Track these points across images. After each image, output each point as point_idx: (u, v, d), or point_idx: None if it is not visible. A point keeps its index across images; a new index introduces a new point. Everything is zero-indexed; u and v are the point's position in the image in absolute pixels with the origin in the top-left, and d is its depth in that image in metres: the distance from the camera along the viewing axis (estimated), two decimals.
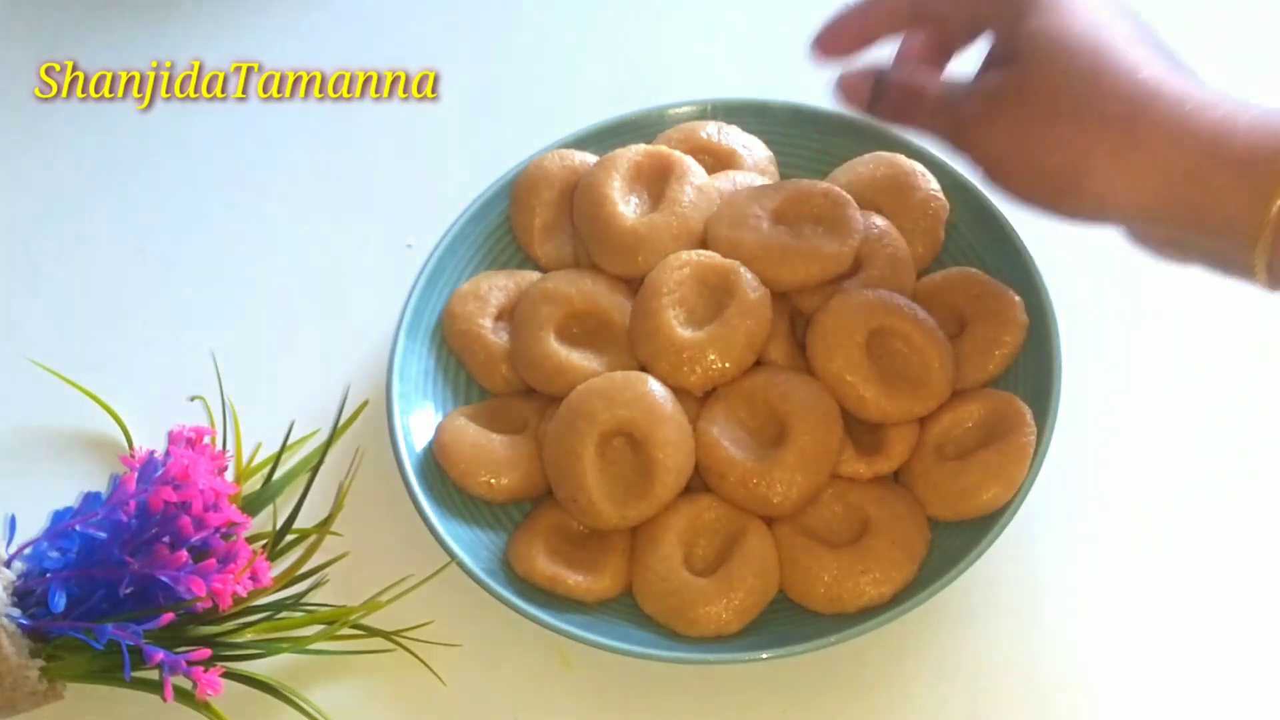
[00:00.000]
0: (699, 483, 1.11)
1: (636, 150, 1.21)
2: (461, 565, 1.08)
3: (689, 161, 1.20)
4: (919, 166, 1.21)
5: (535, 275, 1.21)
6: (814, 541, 1.09)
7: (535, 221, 1.23)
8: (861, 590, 1.06)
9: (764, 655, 1.04)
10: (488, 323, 1.19)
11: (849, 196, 1.15)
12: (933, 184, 1.20)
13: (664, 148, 1.21)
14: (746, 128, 1.27)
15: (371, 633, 1.09)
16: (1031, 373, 1.13)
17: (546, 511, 1.13)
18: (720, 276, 1.12)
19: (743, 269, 1.12)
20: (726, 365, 1.10)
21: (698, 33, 1.45)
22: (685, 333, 1.11)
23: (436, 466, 1.14)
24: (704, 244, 1.16)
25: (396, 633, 1.08)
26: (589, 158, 1.24)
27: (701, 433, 1.10)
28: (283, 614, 1.10)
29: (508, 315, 1.20)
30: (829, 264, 1.12)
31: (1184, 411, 1.19)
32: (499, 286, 1.21)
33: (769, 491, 1.08)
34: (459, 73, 1.41)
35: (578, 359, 1.14)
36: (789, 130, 1.27)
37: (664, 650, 1.05)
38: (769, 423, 1.11)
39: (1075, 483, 1.14)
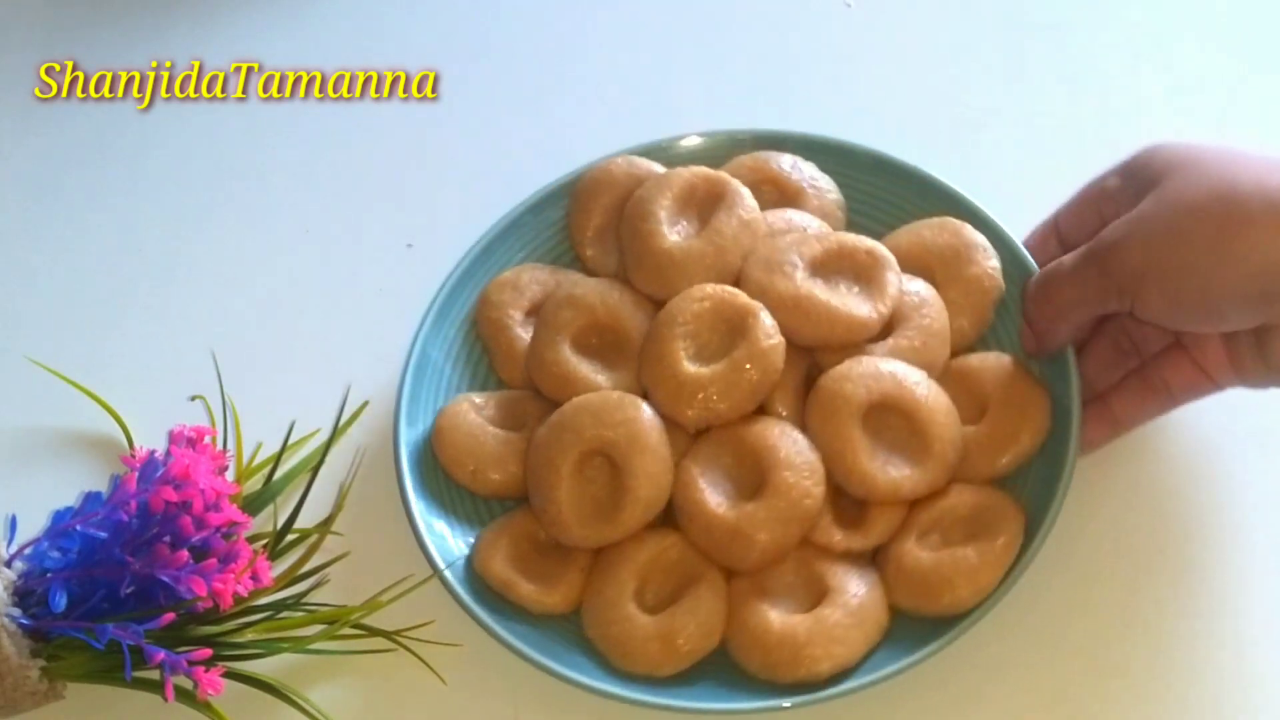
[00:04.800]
0: (674, 517, 1.09)
1: (693, 172, 1.18)
2: (425, 551, 1.09)
3: (742, 192, 1.16)
4: (982, 240, 1.16)
5: (577, 276, 1.21)
6: (765, 603, 1.05)
7: (590, 223, 1.22)
8: (799, 663, 1.02)
9: (677, 704, 1.02)
10: (518, 315, 1.19)
11: (892, 258, 1.12)
12: (992, 260, 1.15)
13: (721, 174, 1.18)
14: (824, 167, 1.23)
15: (372, 632, 1.09)
16: (1041, 476, 1.07)
17: (521, 516, 1.12)
18: (739, 316, 1.09)
19: (763, 314, 1.09)
20: (723, 407, 1.07)
21: (702, 38, 1.45)
22: (690, 367, 1.08)
23: (434, 457, 1.15)
24: (737, 279, 1.13)
25: (397, 632, 1.08)
26: (657, 168, 1.22)
27: (682, 470, 1.08)
28: (283, 614, 1.09)
29: (538, 311, 1.19)
30: (853, 328, 1.09)
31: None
32: (538, 281, 1.21)
33: (732, 544, 1.05)
34: (459, 73, 1.41)
35: (586, 370, 1.13)
36: (867, 178, 1.22)
37: (597, 681, 1.04)
38: (752, 473, 1.07)
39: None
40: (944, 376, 1.11)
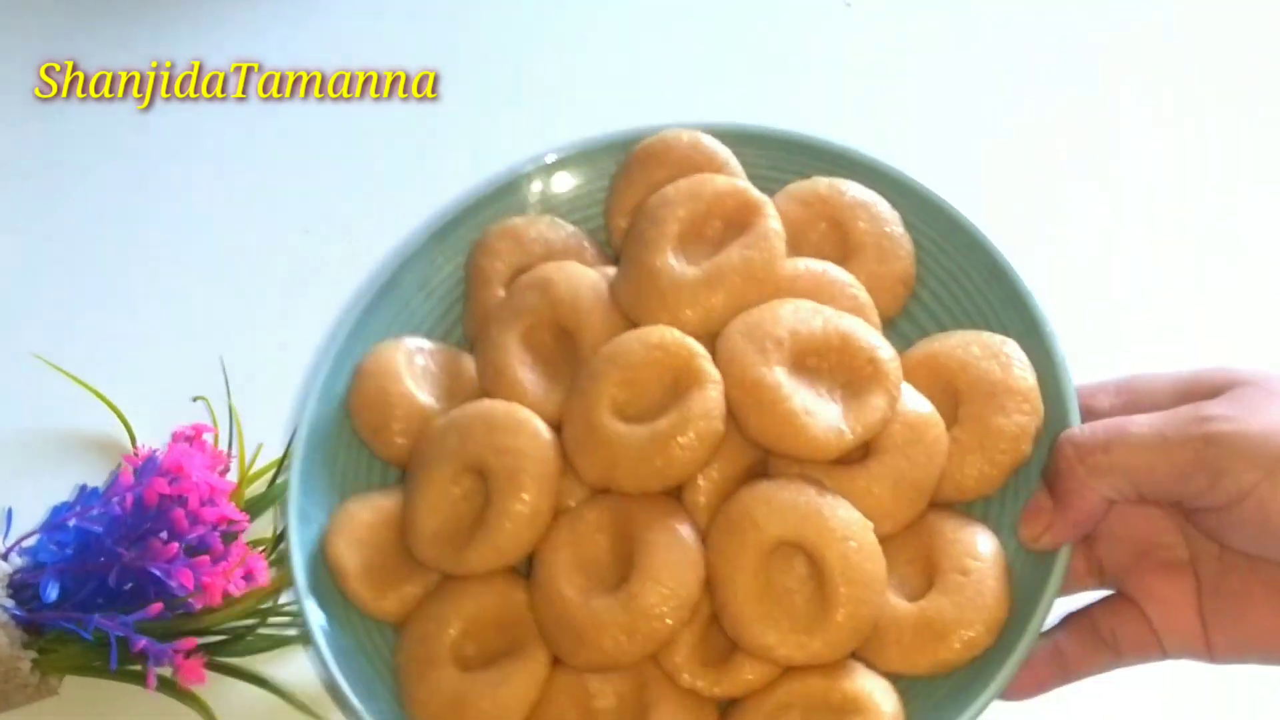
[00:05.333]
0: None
1: (730, 186, 0.98)
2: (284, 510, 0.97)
3: (770, 230, 0.95)
4: (1026, 387, 0.94)
5: (574, 265, 1.02)
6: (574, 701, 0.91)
7: (632, 196, 1.04)
8: None
9: None
10: (504, 271, 1.04)
11: (897, 378, 0.92)
12: (1026, 416, 0.93)
13: (758, 198, 0.97)
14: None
15: None
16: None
17: (395, 499, 0.98)
18: (687, 379, 0.91)
19: (712, 388, 0.90)
20: (628, 481, 0.90)
21: (702, 39, 1.45)
22: (608, 419, 0.91)
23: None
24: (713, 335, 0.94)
25: None
26: (723, 152, 1.04)
27: (554, 530, 0.92)
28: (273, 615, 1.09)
29: None
30: (803, 443, 0.89)
31: None
32: (546, 240, 1.05)
33: (566, 633, 0.89)
34: (459, 73, 1.39)
35: (521, 372, 0.97)
36: (949, 247, 1.02)
37: None
38: (623, 564, 0.90)
39: None
40: (909, 534, 0.93)
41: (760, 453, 0.92)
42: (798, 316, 0.92)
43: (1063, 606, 0.91)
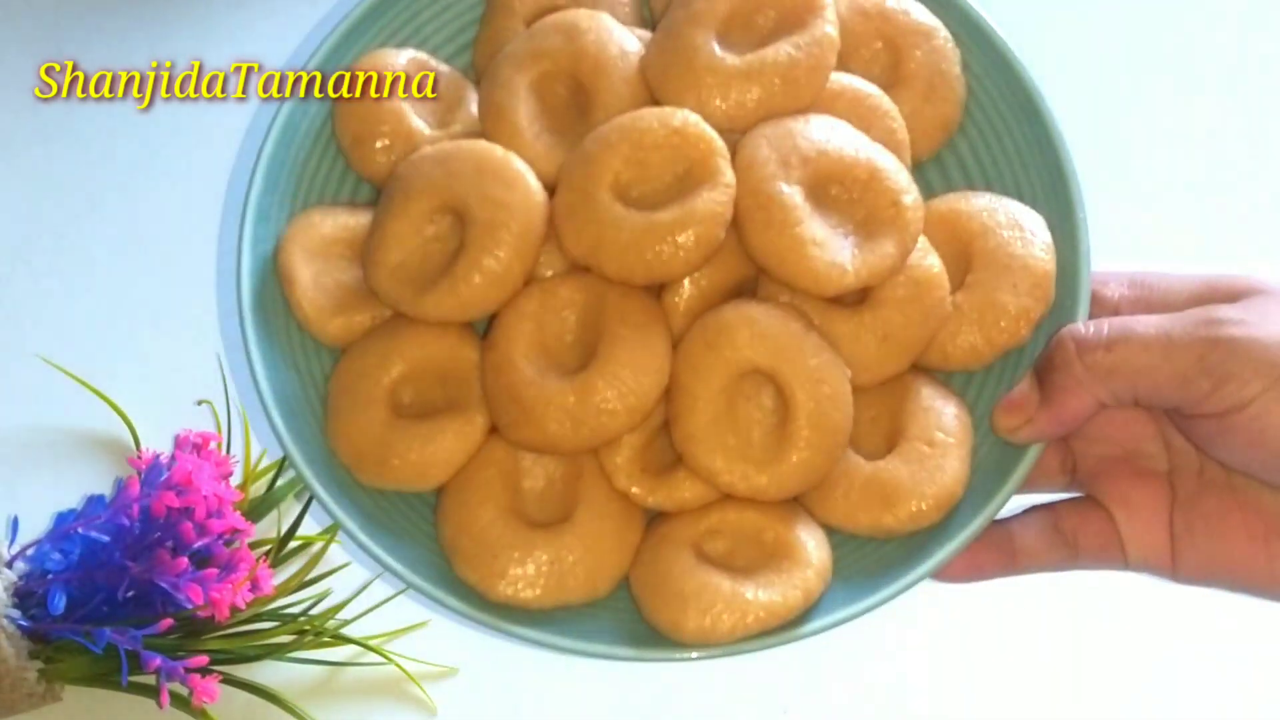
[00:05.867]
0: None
1: None
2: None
3: (825, 36, 0.87)
4: (1044, 263, 0.88)
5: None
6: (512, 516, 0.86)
7: None
8: None
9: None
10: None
11: (918, 226, 0.86)
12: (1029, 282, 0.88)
13: None
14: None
15: (341, 640, 1.08)
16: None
17: (363, 216, 0.92)
18: (699, 174, 0.84)
19: (722, 193, 0.83)
20: (612, 265, 0.84)
21: None
22: (607, 198, 0.84)
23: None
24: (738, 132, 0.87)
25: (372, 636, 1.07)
26: None
27: (521, 298, 0.86)
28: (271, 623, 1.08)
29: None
30: (803, 274, 0.83)
31: None
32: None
33: (512, 409, 0.84)
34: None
35: (527, 122, 0.89)
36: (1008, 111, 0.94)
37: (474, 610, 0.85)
38: (587, 349, 0.86)
39: None
40: (883, 390, 0.88)
41: (754, 270, 0.87)
42: (831, 136, 0.86)
43: (1027, 503, 0.90)
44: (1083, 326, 0.84)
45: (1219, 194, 1.28)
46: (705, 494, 0.85)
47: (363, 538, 0.84)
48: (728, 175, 0.83)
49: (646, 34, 0.91)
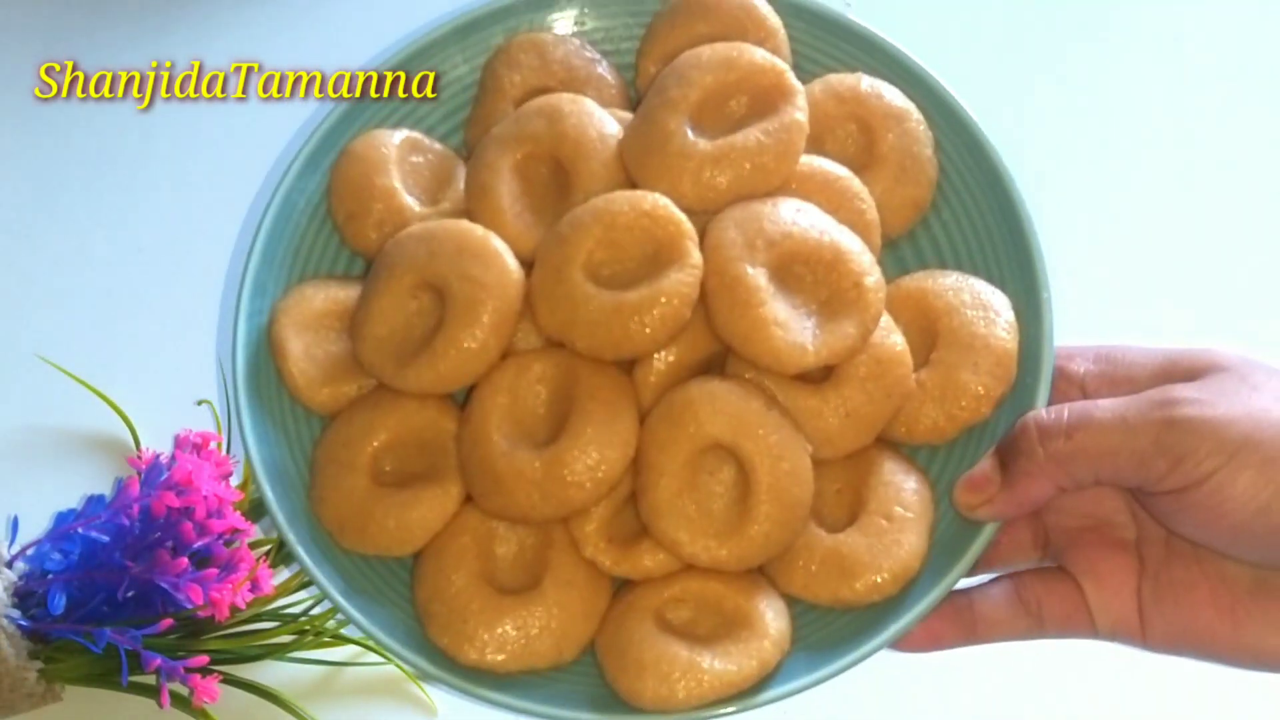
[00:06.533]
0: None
1: (765, 62, 0.92)
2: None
3: (794, 122, 0.89)
4: (1006, 343, 0.90)
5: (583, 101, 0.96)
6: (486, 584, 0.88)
7: (669, 42, 0.97)
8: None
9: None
10: (518, 80, 0.99)
11: (878, 309, 0.88)
12: (988, 379, 0.90)
13: (790, 81, 0.91)
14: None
15: (342, 640, 1.09)
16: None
17: (350, 290, 0.95)
18: (667, 253, 0.87)
19: (689, 273, 0.86)
20: (582, 344, 0.87)
21: None
22: (580, 278, 0.87)
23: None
24: (710, 213, 0.90)
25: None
26: (771, 18, 0.97)
27: (496, 373, 0.89)
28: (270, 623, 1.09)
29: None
30: (765, 353, 0.85)
31: None
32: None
33: (483, 480, 0.88)
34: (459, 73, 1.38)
35: (509, 202, 0.92)
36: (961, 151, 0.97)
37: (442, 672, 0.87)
38: (557, 422, 0.88)
39: None
40: (847, 462, 0.90)
41: (722, 347, 0.89)
42: (797, 219, 0.88)
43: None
44: (1045, 413, 0.85)
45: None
46: (669, 564, 0.87)
47: (341, 601, 0.87)
48: (694, 257, 0.86)
49: (628, 116, 0.94)
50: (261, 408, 0.92)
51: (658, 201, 0.87)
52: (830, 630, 0.88)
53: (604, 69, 1.00)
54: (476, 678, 0.86)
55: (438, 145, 0.99)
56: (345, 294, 0.94)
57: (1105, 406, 0.83)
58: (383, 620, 0.88)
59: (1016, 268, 0.93)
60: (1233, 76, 1.38)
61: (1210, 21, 1.41)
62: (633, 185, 0.91)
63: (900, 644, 0.86)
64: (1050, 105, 1.36)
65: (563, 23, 1.01)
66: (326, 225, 0.97)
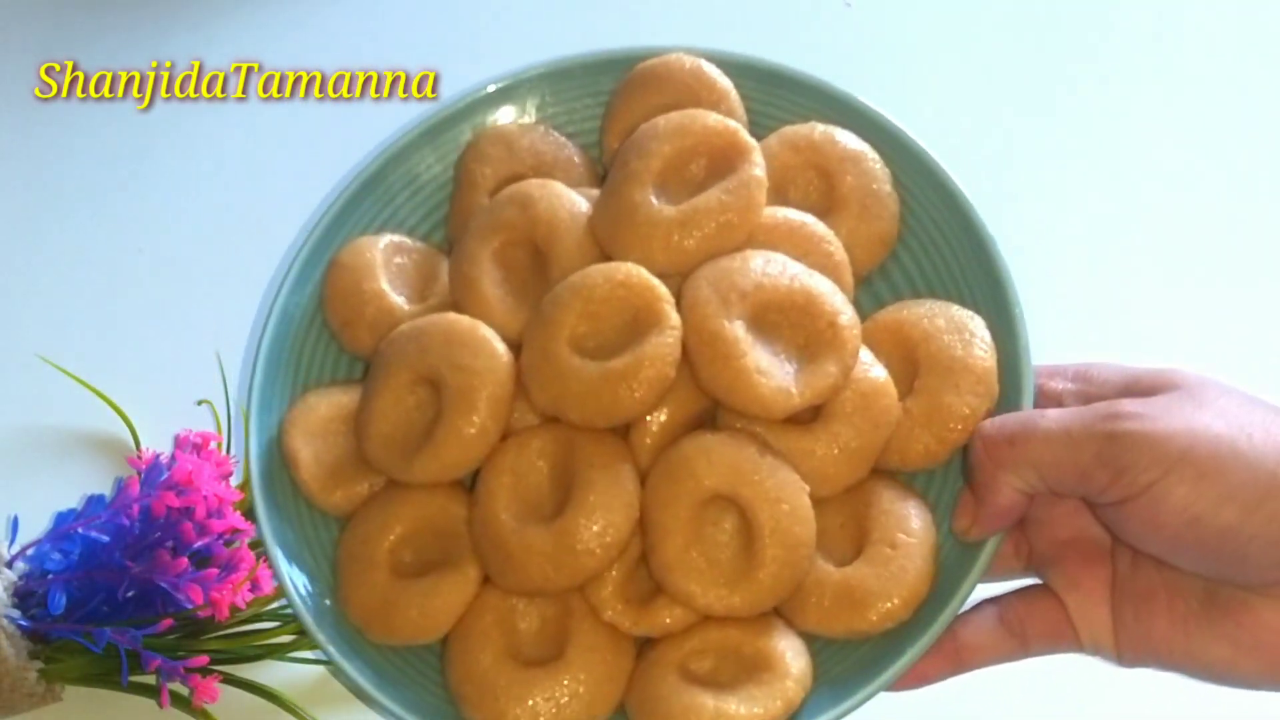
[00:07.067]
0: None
1: (718, 125, 0.95)
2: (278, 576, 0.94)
3: (751, 178, 0.93)
4: (981, 368, 0.92)
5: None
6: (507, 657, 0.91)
7: (629, 117, 1.01)
8: None
9: None
10: (489, 172, 1.02)
11: (854, 346, 0.90)
12: (972, 397, 0.92)
13: (744, 140, 0.95)
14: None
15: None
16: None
17: (354, 395, 0.98)
18: (647, 319, 0.90)
19: (669, 335, 0.89)
20: (575, 415, 0.90)
21: (702, 39, 1.42)
22: (566, 351, 0.90)
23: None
24: (684, 275, 0.93)
25: None
26: (723, 82, 1.01)
27: (498, 453, 0.92)
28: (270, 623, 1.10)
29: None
30: (752, 401, 0.88)
31: None
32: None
33: (495, 556, 0.90)
34: (459, 73, 1.35)
35: (491, 287, 0.96)
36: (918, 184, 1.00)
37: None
38: (562, 495, 0.91)
39: None
40: (847, 497, 0.92)
41: (711, 401, 0.92)
42: (766, 270, 0.91)
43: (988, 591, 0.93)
44: (988, 424, 0.88)
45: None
46: (686, 617, 0.90)
47: (376, 694, 0.89)
48: (673, 318, 0.89)
49: (595, 192, 0.98)
50: (281, 517, 0.95)
51: (630, 271, 0.91)
52: (849, 661, 0.90)
53: (570, 150, 1.03)
54: None
55: (419, 244, 1.02)
56: (348, 398, 0.97)
57: (1051, 417, 0.85)
58: (419, 706, 0.90)
59: (986, 288, 0.95)
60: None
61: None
62: (607, 257, 0.93)
63: (895, 685, 0.88)
64: (1045, 106, 1.38)
65: (527, 112, 1.05)
66: (324, 334, 1.00)
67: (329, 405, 0.97)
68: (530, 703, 0.88)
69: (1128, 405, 0.83)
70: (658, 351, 0.88)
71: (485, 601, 0.92)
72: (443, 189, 1.04)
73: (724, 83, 1.01)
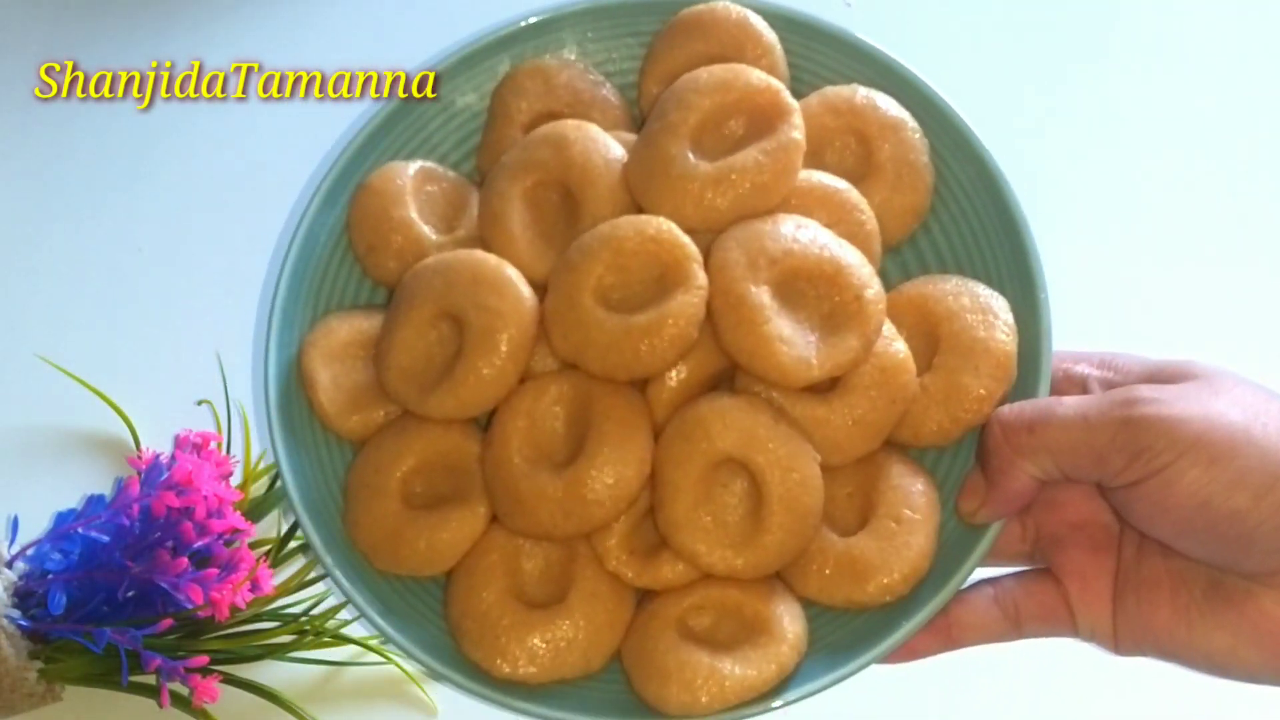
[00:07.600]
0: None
1: (761, 81, 0.94)
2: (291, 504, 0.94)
3: (790, 141, 0.91)
4: (1006, 344, 0.92)
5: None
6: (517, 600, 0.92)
7: (670, 62, 1.00)
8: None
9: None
10: (525, 106, 1.01)
11: (879, 321, 0.90)
12: (988, 385, 0.92)
13: (787, 100, 0.93)
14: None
15: (341, 640, 1.10)
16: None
17: (375, 320, 0.98)
18: (673, 277, 0.90)
19: (695, 295, 0.89)
20: (597, 365, 0.90)
21: None
22: (590, 302, 0.90)
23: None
24: (714, 232, 0.92)
25: (373, 636, 1.08)
26: (769, 36, 0.99)
27: (515, 397, 0.92)
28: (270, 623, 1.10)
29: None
30: (772, 368, 0.88)
31: None
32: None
33: (507, 500, 0.91)
34: None
35: (519, 230, 0.95)
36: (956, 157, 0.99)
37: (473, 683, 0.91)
38: (576, 443, 0.91)
39: None
40: (856, 468, 0.93)
41: (730, 362, 0.92)
42: (797, 236, 0.91)
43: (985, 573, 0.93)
44: (1007, 410, 0.88)
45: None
46: (689, 574, 0.90)
47: (379, 621, 0.90)
48: (700, 278, 0.89)
49: (631, 137, 0.97)
50: (294, 438, 0.95)
51: (661, 226, 0.90)
52: (845, 631, 0.90)
53: (607, 91, 1.02)
54: (511, 690, 0.89)
55: (451, 174, 1.02)
56: (369, 324, 0.97)
57: (1069, 404, 0.86)
58: (418, 638, 0.91)
59: (1014, 269, 0.95)
60: (1230, 80, 1.40)
61: (1208, 27, 1.42)
62: (638, 208, 0.93)
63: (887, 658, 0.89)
64: (1046, 106, 1.38)
65: (566, 47, 1.03)
66: (348, 258, 1.00)
67: (350, 329, 0.97)
68: (529, 644, 0.89)
69: (1144, 390, 0.84)
70: (682, 310, 0.88)
71: (492, 540, 0.92)
72: (476, 118, 1.03)
73: (769, 37, 1.00)
